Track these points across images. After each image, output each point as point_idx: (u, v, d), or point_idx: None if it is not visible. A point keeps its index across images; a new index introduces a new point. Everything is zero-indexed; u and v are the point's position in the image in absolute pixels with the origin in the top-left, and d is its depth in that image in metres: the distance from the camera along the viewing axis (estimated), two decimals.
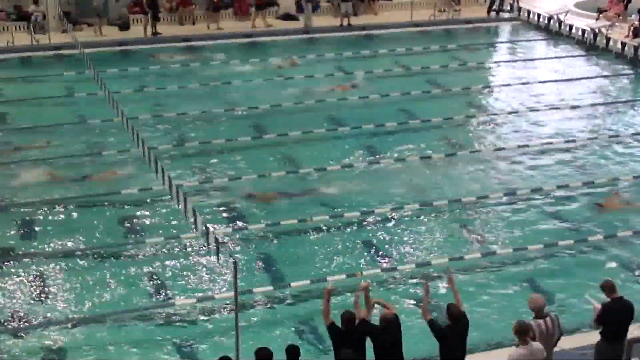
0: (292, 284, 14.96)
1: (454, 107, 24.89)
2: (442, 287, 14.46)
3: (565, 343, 12.24)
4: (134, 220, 17.64)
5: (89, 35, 31.08)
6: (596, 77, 28.31)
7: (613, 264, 15.95)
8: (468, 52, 31.27)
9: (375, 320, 11.37)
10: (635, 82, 28.28)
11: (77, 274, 15.55)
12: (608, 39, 30.57)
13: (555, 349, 11.57)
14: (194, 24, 33.59)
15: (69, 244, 16.66)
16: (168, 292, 15.02)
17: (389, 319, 11.16)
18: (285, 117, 23.70)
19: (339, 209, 18.07)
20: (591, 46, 31.12)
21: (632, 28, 31.26)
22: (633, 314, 11.68)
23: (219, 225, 17.06)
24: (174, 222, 17.17)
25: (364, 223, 17.55)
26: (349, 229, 17.31)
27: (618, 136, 22.57)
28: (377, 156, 21.09)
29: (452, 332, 11.19)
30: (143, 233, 17.08)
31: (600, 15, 33.65)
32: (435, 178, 19.87)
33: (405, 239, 16.94)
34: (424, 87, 26.52)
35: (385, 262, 15.99)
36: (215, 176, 19.67)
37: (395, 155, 21.02)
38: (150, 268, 15.77)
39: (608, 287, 11.65)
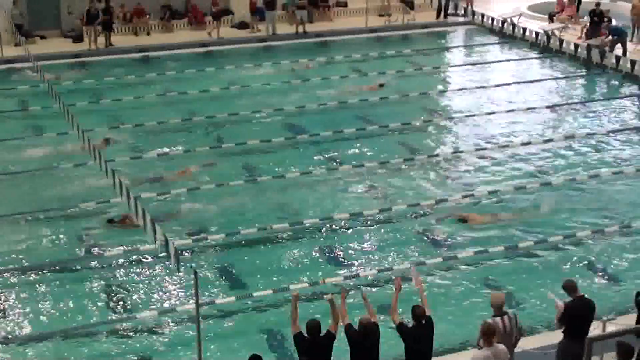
0: (255, 294, 14.88)
1: (411, 111, 24.98)
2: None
3: (527, 343, 12.33)
4: (92, 234, 17.42)
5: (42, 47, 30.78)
6: (550, 79, 28.61)
7: (573, 264, 16.10)
8: (424, 57, 31.44)
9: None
10: (588, 83, 28.64)
11: (34, 289, 15.34)
12: (561, 41, 30.92)
13: (517, 349, 11.64)
14: (148, 34, 33.37)
15: (26, 258, 16.44)
16: (129, 305, 14.87)
17: (368, 325, 11.14)
18: (243, 126, 23.63)
19: (299, 217, 18.03)
20: (545, 48, 31.46)
21: (584, 30, 31.67)
22: (594, 312, 11.81)
23: (179, 236, 16.92)
24: (133, 235, 17.00)
25: (324, 230, 17.51)
26: (309, 237, 17.27)
27: (573, 137, 22.81)
28: (336, 163, 21.08)
29: (417, 332, 11.22)
30: (101, 246, 16.89)
31: (554, 17, 34.04)
32: (395, 183, 19.91)
33: (366, 245, 16.95)
34: (381, 92, 26.57)
35: (347, 269, 15.96)
36: (174, 187, 19.52)
37: (354, 161, 21.04)
38: (110, 281, 15.61)
39: (569, 287, 11.78)
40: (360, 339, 11.13)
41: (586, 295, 11.91)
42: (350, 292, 14.09)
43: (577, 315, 11.61)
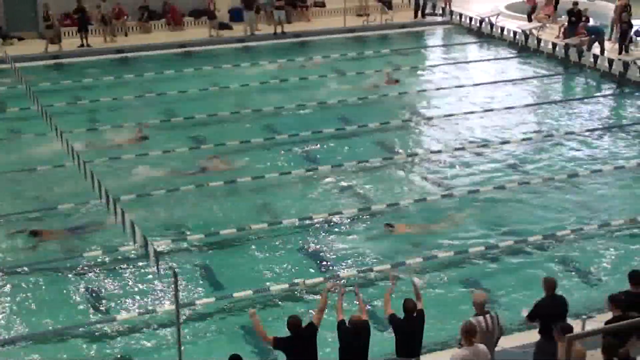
0: (235, 294, 14.85)
1: (390, 111, 25.02)
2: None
3: (507, 342, 12.36)
4: (72, 235, 17.32)
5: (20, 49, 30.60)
6: (529, 78, 28.73)
7: (552, 263, 16.18)
8: (402, 57, 31.49)
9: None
10: (566, 82, 28.80)
11: (13, 291, 15.23)
12: (539, 40, 31.05)
13: (497, 348, 11.68)
14: (126, 35, 33.22)
15: (2, 260, 16.33)
16: (109, 306, 14.79)
17: (359, 323, 11.14)
18: (222, 126, 23.58)
19: (278, 217, 18.02)
20: (523, 48, 31.58)
21: (562, 29, 31.83)
22: (566, 309, 11.86)
23: (159, 237, 16.84)
24: (112, 236, 16.91)
25: (303, 230, 17.49)
26: (288, 237, 17.25)
27: (552, 136, 22.92)
28: (315, 163, 21.07)
29: (407, 325, 11.25)
30: (81, 248, 16.78)
31: (532, 17, 34.20)
32: (374, 183, 19.93)
33: (346, 244, 16.94)
34: (359, 92, 26.60)
35: (327, 269, 15.96)
36: (153, 188, 19.45)
37: (333, 161, 21.04)
38: (90, 283, 15.53)
39: (547, 285, 11.85)
40: (350, 338, 11.13)
41: (559, 293, 11.99)
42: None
43: (547, 313, 11.64)
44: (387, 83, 27.45)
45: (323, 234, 17.41)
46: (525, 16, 34.71)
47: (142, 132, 22.88)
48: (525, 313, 12.15)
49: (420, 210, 18.44)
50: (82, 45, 31.22)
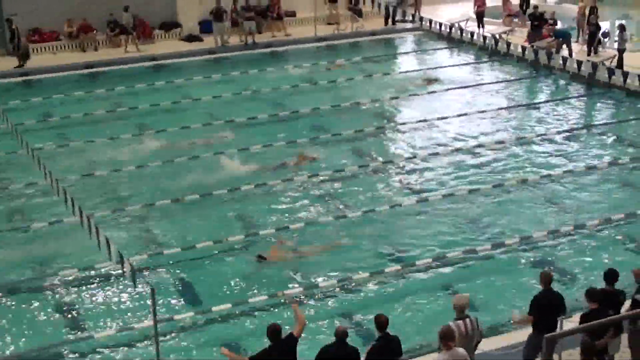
0: (213, 308, 14.76)
1: (363, 119, 25.05)
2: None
3: (487, 345, 12.40)
4: (46, 254, 17.16)
5: None
6: (500, 81, 28.89)
7: (529, 264, 16.26)
8: (373, 64, 31.56)
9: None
10: (537, 84, 29.00)
11: None
12: (509, 44, 31.24)
13: (477, 351, 11.71)
14: (96, 49, 33.06)
15: None
16: (86, 324, 14.66)
17: (340, 331, 11.09)
18: (194, 138, 23.49)
19: (255, 228, 17.98)
20: (493, 52, 31.76)
21: (528, 33, 32.11)
22: (563, 305, 12.01)
23: (134, 253, 16.73)
24: (87, 253, 16.74)
25: (282, 241, 17.45)
26: (265, 248, 17.17)
27: (524, 138, 23.05)
28: (290, 172, 21.02)
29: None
30: (55, 266, 16.63)
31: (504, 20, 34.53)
32: (349, 190, 19.93)
33: (324, 255, 16.90)
34: (333, 101, 26.62)
35: (306, 279, 15.89)
36: (128, 203, 19.33)
37: (308, 170, 21.01)
38: (66, 301, 15.38)
39: (544, 279, 12.06)
40: None
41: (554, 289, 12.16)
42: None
43: (545, 305, 11.83)
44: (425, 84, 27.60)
45: (301, 243, 17.35)
46: (495, 20, 34.99)
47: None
48: (516, 315, 12.19)
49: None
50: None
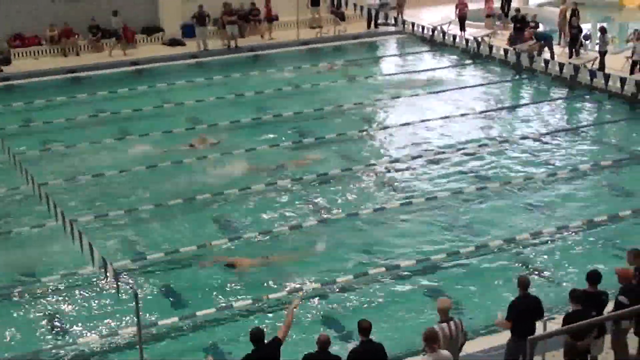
0: (198, 313, 14.72)
1: (347, 122, 25.07)
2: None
3: (471, 347, 12.42)
4: (28, 259, 17.07)
5: None
6: (482, 84, 28.97)
7: (513, 266, 16.30)
8: (356, 67, 31.59)
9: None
10: (519, 87, 29.12)
11: None
12: (491, 47, 31.34)
13: (462, 353, 11.73)
14: (78, 54, 32.93)
15: None
16: (69, 330, 14.57)
17: (323, 341, 11.03)
18: (177, 144, 23.41)
19: (237, 232, 17.96)
20: (476, 55, 31.86)
21: (510, 36, 32.24)
22: (541, 309, 11.99)
23: (118, 258, 16.66)
24: (70, 258, 16.65)
25: (264, 244, 17.44)
26: (250, 252, 17.14)
27: (507, 141, 23.12)
28: (273, 176, 20.99)
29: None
30: (38, 272, 16.54)
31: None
32: (333, 194, 19.92)
33: (305, 258, 16.90)
34: (316, 104, 26.63)
35: (289, 282, 15.86)
36: (111, 208, 19.26)
37: (291, 174, 21.00)
38: (49, 307, 15.29)
39: (521, 283, 12.05)
40: None
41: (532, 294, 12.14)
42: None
43: (523, 310, 11.80)
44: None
45: (284, 246, 17.36)
46: (476, 23, 35.15)
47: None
48: (500, 317, 12.21)
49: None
50: None
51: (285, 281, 15.90)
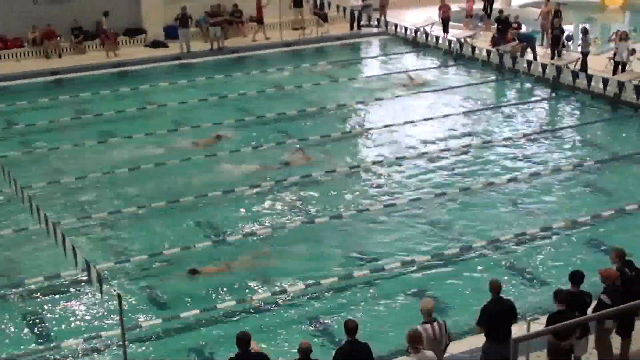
0: (182, 314, 14.68)
1: (329, 124, 25.06)
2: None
3: (455, 347, 12.44)
4: (11, 262, 16.98)
5: None
6: (465, 85, 29.04)
7: (497, 267, 16.34)
8: (339, 69, 31.61)
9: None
10: (502, 87, 29.21)
11: None
12: (474, 48, 31.43)
13: (446, 354, 11.74)
14: (60, 56, 32.78)
15: None
16: (52, 333, 14.50)
17: (304, 348, 10.97)
18: (160, 145, 23.35)
19: (222, 234, 17.94)
20: (458, 56, 31.94)
21: (493, 37, 32.33)
22: (514, 313, 11.97)
23: (101, 260, 16.59)
24: (53, 261, 16.57)
25: (248, 246, 17.41)
26: (233, 254, 17.12)
27: (490, 142, 23.19)
28: (257, 177, 20.95)
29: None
30: (21, 274, 16.44)
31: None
32: (317, 195, 19.92)
33: (291, 259, 16.87)
34: (299, 106, 26.61)
35: (274, 284, 15.84)
36: (94, 210, 19.18)
37: (275, 176, 20.96)
38: (32, 309, 15.21)
39: (492, 287, 11.95)
40: None
41: (505, 297, 12.09)
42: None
43: (494, 315, 11.74)
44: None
45: (268, 248, 17.34)
46: (460, 24, 35.26)
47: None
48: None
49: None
50: None
51: (269, 283, 15.88)
